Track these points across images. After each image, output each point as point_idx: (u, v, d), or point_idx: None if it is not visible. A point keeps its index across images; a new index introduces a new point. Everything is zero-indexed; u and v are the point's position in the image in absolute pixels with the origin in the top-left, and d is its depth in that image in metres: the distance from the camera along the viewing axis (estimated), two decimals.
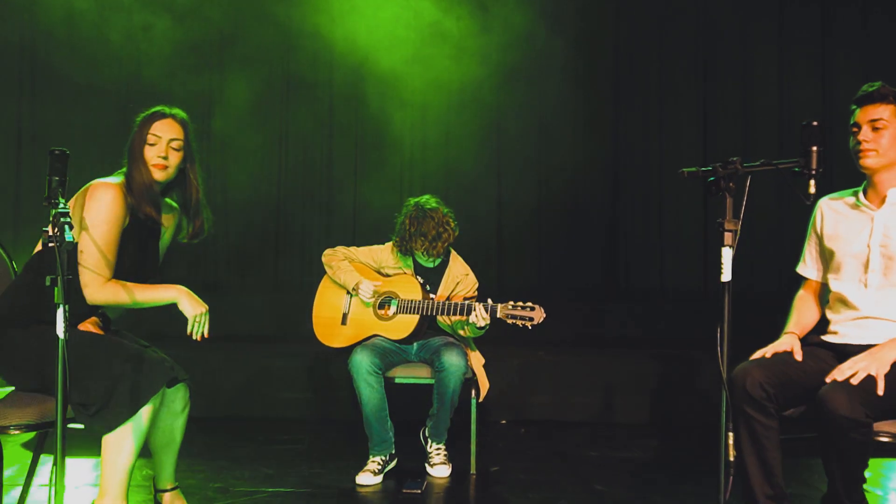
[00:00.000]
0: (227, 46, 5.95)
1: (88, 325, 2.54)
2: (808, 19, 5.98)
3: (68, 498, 2.93)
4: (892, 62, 5.71)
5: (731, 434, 2.04)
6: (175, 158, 2.57)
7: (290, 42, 5.97)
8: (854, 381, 2.24)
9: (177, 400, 2.60)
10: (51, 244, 1.86)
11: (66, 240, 1.82)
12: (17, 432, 2.27)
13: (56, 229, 1.86)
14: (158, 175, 2.54)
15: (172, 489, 2.69)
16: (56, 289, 1.86)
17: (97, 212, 2.41)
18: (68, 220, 1.88)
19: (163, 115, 2.57)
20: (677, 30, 6.05)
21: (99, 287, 2.42)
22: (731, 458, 2.04)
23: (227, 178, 5.93)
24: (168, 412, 2.59)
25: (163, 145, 2.54)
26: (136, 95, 5.67)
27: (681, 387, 4.52)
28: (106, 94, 5.72)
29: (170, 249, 2.80)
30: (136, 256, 2.54)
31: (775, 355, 2.48)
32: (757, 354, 2.49)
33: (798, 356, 2.45)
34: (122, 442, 2.32)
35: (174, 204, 2.75)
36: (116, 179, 2.51)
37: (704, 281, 5.99)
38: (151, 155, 2.53)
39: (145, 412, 2.34)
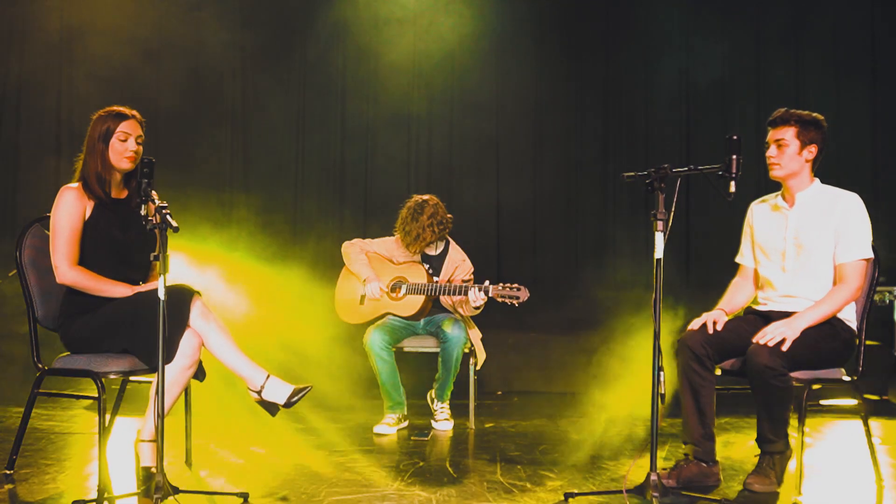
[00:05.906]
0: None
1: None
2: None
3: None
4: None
5: (662, 373, 2.67)
6: (140, 151, 2.99)
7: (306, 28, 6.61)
8: (770, 344, 2.88)
9: (189, 355, 2.80)
10: (155, 230, 2.52)
11: (172, 225, 2.48)
12: (115, 376, 2.91)
13: (159, 218, 2.52)
14: (128, 165, 2.95)
15: (152, 441, 2.77)
16: (158, 263, 2.51)
17: (55, 212, 2.89)
18: (168, 211, 2.53)
19: (127, 116, 2.97)
20: (662, 38, 6.60)
21: (65, 270, 2.85)
22: (662, 392, 2.66)
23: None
24: (175, 365, 2.77)
25: (132, 142, 2.96)
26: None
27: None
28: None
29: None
30: (115, 236, 2.94)
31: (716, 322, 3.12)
32: (693, 323, 3.13)
33: (719, 327, 3.07)
34: (173, 369, 2.77)
35: None
36: (76, 184, 2.95)
37: (686, 273, 6.58)
38: (123, 148, 2.94)
39: (187, 343, 2.76)
